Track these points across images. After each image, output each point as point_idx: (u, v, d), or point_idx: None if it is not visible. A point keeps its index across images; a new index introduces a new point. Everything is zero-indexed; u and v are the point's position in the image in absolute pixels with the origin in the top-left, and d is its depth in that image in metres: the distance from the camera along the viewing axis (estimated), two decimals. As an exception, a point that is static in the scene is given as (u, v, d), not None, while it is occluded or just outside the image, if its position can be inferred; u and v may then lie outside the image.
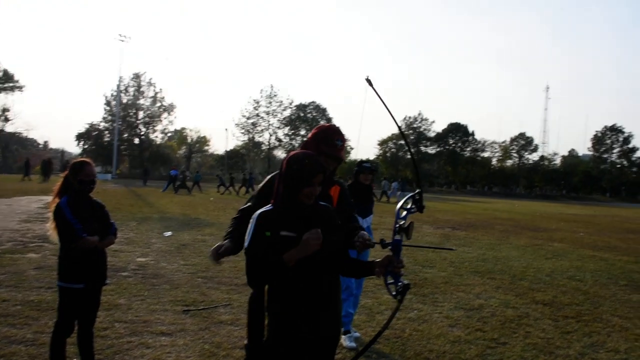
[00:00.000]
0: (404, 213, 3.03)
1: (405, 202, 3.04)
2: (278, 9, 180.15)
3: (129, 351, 4.59)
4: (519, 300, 7.32)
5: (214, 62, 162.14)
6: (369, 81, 3.17)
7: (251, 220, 2.55)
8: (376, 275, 2.68)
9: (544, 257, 11.83)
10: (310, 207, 2.59)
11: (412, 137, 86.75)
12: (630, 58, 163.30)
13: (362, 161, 5.80)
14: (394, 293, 2.74)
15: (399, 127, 3.23)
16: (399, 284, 2.68)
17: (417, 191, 3.08)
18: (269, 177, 3.27)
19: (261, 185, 3.29)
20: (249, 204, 3.44)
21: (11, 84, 71.07)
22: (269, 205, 2.64)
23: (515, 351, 5.14)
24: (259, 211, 2.59)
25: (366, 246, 2.98)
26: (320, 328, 2.60)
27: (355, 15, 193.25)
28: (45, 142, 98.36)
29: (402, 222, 2.92)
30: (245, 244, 2.52)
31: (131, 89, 77.25)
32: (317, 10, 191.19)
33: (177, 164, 59.85)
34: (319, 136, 3.14)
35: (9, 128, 75.39)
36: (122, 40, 68.02)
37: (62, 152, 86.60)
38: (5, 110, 71.61)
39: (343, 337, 5.23)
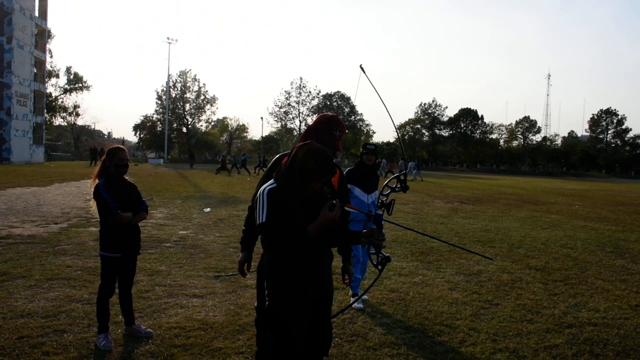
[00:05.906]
0: (388, 191, 2.97)
1: (390, 182, 2.97)
2: (304, 22, 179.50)
3: (165, 310, 4.67)
4: (514, 266, 7.18)
5: (249, 59, 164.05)
6: (362, 68, 3.08)
7: (261, 196, 2.45)
8: (361, 245, 2.63)
9: (541, 227, 11.58)
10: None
11: (427, 122, 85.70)
12: (624, 46, 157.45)
13: (365, 143, 5.63)
14: (374, 263, 2.69)
15: (387, 110, 3.14)
16: (380, 255, 2.62)
17: (401, 172, 3.00)
18: (276, 157, 3.13)
19: (270, 164, 3.18)
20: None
21: (80, 85, 73.02)
22: (272, 181, 2.54)
23: (506, 311, 5.05)
24: (267, 188, 2.47)
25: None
26: (319, 289, 2.56)
27: (373, 15, 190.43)
28: (109, 132, 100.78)
29: (384, 199, 2.86)
30: (262, 219, 2.40)
31: (178, 85, 78.00)
32: (338, 13, 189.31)
33: (229, 150, 60.34)
34: (320, 126, 3.00)
35: (80, 122, 78.38)
36: (170, 43, 68.56)
37: (123, 141, 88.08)
38: (76, 106, 74.19)
39: (352, 299, 5.21)
